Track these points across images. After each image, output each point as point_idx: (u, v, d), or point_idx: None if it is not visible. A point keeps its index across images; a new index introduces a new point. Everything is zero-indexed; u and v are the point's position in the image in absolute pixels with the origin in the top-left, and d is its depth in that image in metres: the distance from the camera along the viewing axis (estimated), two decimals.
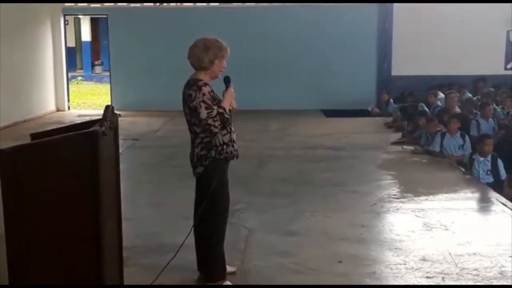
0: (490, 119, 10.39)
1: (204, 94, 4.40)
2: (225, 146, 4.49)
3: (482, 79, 13.72)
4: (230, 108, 4.53)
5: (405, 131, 11.23)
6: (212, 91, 4.49)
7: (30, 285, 3.43)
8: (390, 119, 12.87)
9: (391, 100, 13.93)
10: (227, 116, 4.46)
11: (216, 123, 4.38)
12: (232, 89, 4.58)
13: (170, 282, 4.64)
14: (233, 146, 4.56)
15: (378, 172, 8.64)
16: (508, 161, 8.62)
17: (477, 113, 10.79)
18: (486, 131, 9.88)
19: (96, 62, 27.66)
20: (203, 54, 4.48)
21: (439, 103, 12.05)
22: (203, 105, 4.38)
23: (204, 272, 4.69)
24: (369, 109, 14.29)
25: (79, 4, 15.71)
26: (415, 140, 10.46)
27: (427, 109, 11.47)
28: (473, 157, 8.54)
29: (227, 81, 4.59)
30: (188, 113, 4.50)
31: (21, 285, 3.44)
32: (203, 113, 4.37)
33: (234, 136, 4.58)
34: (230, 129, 4.53)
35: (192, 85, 4.45)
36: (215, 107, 4.41)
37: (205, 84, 4.46)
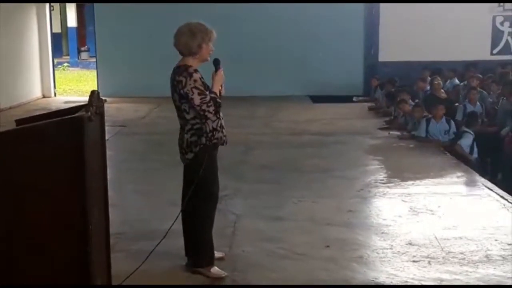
0: (478, 104, 10.44)
1: (195, 81, 4.39)
2: (215, 132, 4.49)
3: (472, 64, 13.74)
4: (220, 92, 4.53)
5: (391, 117, 11.27)
6: (201, 77, 4.47)
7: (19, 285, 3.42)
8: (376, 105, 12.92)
9: (378, 86, 13.93)
10: (219, 101, 4.46)
11: (211, 109, 4.39)
12: (222, 72, 4.57)
13: (158, 268, 4.65)
14: (222, 132, 4.56)
15: (365, 158, 8.68)
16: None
17: (465, 99, 10.84)
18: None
19: (82, 48, 27.43)
20: (190, 40, 4.46)
21: (428, 88, 12.07)
22: (195, 91, 4.37)
23: (192, 258, 4.70)
24: (354, 99, 14.24)
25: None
26: (401, 125, 10.50)
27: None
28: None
29: (216, 63, 4.57)
30: (178, 100, 4.48)
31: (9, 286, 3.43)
32: (197, 99, 4.36)
33: (223, 122, 4.58)
34: (219, 115, 4.53)
35: (182, 71, 4.43)
36: (207, 93, 4.41)
37: (195, 71, 4.44)
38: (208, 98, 4.39)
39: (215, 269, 4.64)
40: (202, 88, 4.40)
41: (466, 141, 8.77)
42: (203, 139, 4.47)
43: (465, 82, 12.34)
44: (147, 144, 9.81)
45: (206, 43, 4.50)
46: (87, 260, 3.43)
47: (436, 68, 13.27)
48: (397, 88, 12.31)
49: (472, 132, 8.91)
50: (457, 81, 12.82)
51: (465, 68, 13.56)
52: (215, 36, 4.55)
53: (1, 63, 12.89)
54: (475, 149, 8.81)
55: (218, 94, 4.48)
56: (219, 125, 4.52)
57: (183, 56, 4.54)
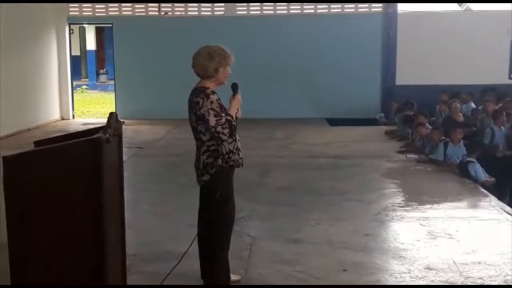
0: (502, 128, 10.38)
1: (212, 102, 4.40)
2: (231, 154, 4.48)
3: (490, 89, 13.69)
4: (236, 115, 4.54)
5: (408, 140, 11.23)
6: (219, 99, 4.48)
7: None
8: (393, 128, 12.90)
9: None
10: (234, 124, 4.47)
11: (225, 131, 4.38)
12: (239, 96, 4.58)
13: None
14: (238, 154, 4.55)
15: (382, 181, 8.62)
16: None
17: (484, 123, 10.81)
18: (500, 139, 9.94)
19: (101, 71, 27.73)
20: (207, 62, 4.48)
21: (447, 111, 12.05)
22: (211, 112, 4.38)
23: (209, 281, 4.67)
24: (377, 117, 14.26)
25: (84, 13, 15.77)
26: (419, 149, 10.45)
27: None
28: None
29: (234, 87, 4.58)
30: (195, 121, 4.49)
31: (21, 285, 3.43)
32: (212, 121, 4.37)
33: (239, 144, 4.58)
34: (236, 137, 4.53)
35: (200, 93, 4.45)
36: (223, 115, 4.42)
37: (213, 92, 4.45)
38: (223, 120, 4.40)
39: None
40: (218, 109, 4.41)
41: (480, 174, 8.67)
42: (219, 161, 4.46)
43: (482, 106, 12.30)
44: (163, 166, 9.83)
45: (224, 67, 4.52)
46: (103, 280, 3.43)
47: (454, 92, 13.22)
48: (414, 111, 12.28)
49: (475, 160, 8.84)
50: (473, 105, 12.77)
51: (482, 92, 13.51)
52: (233, 61, 4.57)
53: (20, 85, 13.07)
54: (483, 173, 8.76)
55: (234, 118, 4.48)
56: (235, 147, 4.51)
57: (200, 78, 4.57)
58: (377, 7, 15.26)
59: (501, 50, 14.82)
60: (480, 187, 8.19)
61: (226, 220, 4.58)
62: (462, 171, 8.78)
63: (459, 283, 4.89)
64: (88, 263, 3.42)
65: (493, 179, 8.72)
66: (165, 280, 4.45)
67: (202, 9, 15.33)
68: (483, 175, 8.64)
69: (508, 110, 11.52)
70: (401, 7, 15.09)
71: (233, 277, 4.76)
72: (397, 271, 5.15)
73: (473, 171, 8.62)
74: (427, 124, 10.87)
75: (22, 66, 13.22)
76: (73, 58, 16.86)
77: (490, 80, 14.28)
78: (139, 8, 15.45)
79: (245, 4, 15.25)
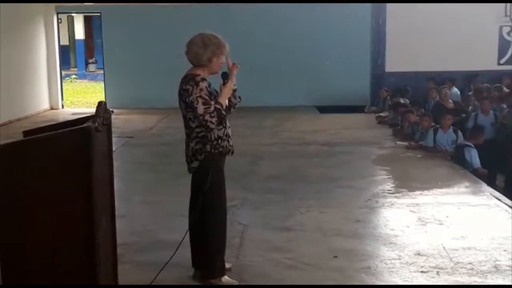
0: (491, 113, 10.39)
1: (201, 90, 4.37)
2: (220, 140, 4.47)
3: (476, 75, 13.76)
4: (228, 104, 4.52)
5: (398, 127, 11.26)
6: (209, 85, 4.46)
7: (23, 284, 3.43)
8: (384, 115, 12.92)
9: (388, 97, 13.91)
10: (224, 113, 4.45)
11: (213, 119, 4.36)
12: (230, 85, 4.55)
13: (167, 279, 4.61)
14: (228, 141, 4.53)
15: (373, 168, 8.65)
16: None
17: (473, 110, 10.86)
18: (484, 125, 9.96)
19: (90, 60, 27.56)
20: (201, 51, 4.44)
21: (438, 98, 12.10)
22: (200, 100, 4.35)
23: (202, 269, 4.65)
24: (365, 110, 14.23)
25: (72, 2, 15.66)
26: (408, 135, 10.49)
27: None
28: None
29: (224, 77, 4.56)
30: (184, 108, 4.47)
31: (14, 285, 3.43)
32: (200, 109, 4.34)
33: (229, 131, 4.56)
34: (225, 123, 4.52)
35: (190, 80, 4.41)
36: (213, 103, 4.39)
37: (203, 79, 4.42)
38: (212, 108, 4.36)
39: (225, 278, 4.62)
40: (207, 97, 4.38)
41: (475, 159, 8.67)
42: (208, 147, 4.44)
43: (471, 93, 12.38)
44: (154, 155, 9.82)
45: (217, 57, 4.48)
46: (94, 270, 3.43)
47: (444, 78, 13.26)
48: (408, 98, 12.36)
49: (472, 145, 8.84)
50: (455, 89, 12.87)
51: (471, 78, 13.56)
52: (228, 50, 4.54)
53: (9, 75, 12.97)
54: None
55: (223, 106, 4.46)
56: (225, 133, 4.50)
57: (193, 66, 4.54)
58: None
59: (490, 36, 14.85)
60: (470, 173, 8.23)
61: (216, 208, 4.56)
62: (458, 154, 8.78)
63: (449, 269, 4.92)
64: (79, 252, 3.42)
65: (485, 170, 8.69)
66: (158, 268, 4.45)
67: None
68: (478, 160, 8.66)
69: (498, 95, 11.62)
70: None
71: (225, 265, 4.76)
72: (387, 257, 5.19)
73: (469, 156, 8.63)
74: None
75: (10, 56, 13.11)
76: (62, 48, 16.77)
77: (480, 66, 14.31)
78: None
79: None
